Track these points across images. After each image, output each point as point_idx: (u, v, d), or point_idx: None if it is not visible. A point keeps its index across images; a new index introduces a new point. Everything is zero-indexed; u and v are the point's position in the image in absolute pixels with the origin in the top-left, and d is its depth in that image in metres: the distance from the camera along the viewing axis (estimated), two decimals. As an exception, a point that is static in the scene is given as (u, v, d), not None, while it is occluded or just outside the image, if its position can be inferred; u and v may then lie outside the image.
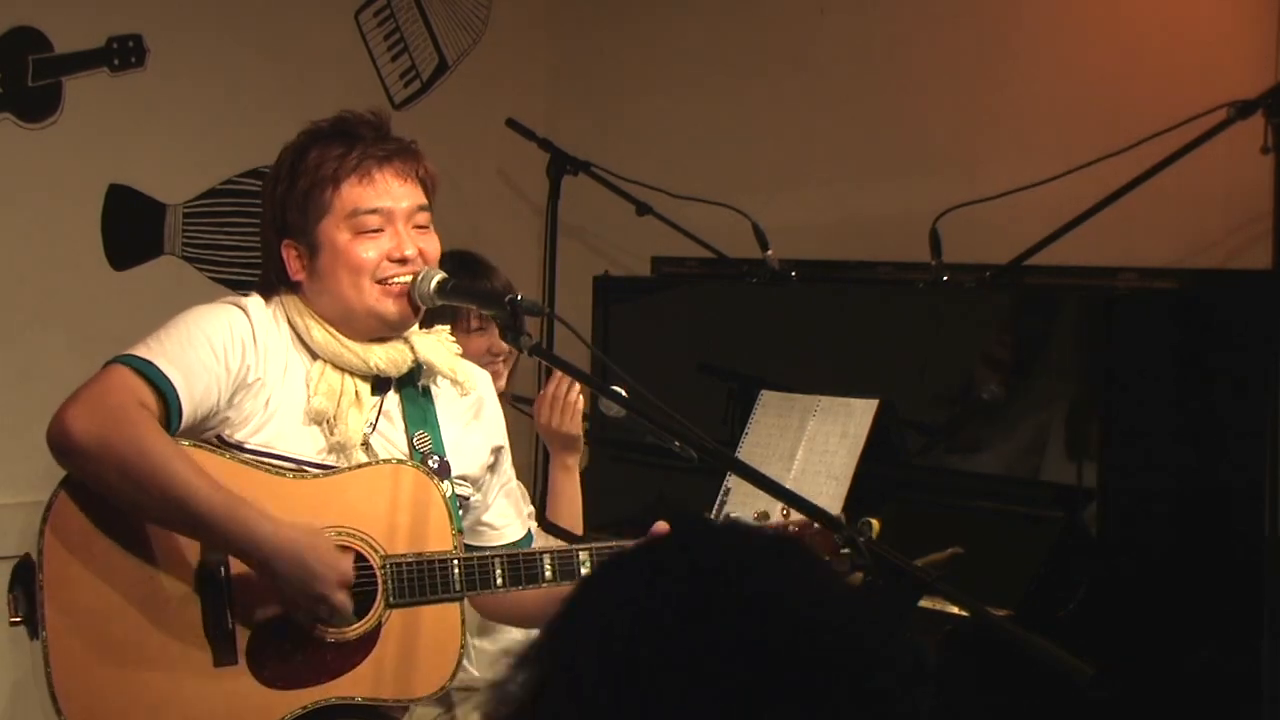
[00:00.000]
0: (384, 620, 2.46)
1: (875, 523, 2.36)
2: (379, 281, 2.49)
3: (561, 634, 1.13)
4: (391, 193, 2.50)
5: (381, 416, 2.55)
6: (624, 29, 4.74)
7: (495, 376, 3.08)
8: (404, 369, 2.56)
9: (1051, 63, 3.85)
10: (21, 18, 3.89)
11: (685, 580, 1.11)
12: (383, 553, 2.46)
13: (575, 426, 3.17)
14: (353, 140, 2.51)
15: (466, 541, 2.58)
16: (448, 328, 2.68)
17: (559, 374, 3.13)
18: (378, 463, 2.50)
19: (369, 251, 2.48)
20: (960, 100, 4.00)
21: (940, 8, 4.06)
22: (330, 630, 2.43)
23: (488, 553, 2.57)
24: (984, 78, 3.97)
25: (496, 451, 2.71)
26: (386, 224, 2.49)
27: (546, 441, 3.22)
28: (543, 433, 3.21)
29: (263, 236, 2.58)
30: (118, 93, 4.04)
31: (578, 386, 3.13)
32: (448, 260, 2.82)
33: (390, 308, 2.50)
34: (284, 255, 2.51)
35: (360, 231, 2.48)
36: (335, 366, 2.50)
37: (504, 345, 3.06)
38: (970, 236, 3.55)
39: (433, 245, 2.54)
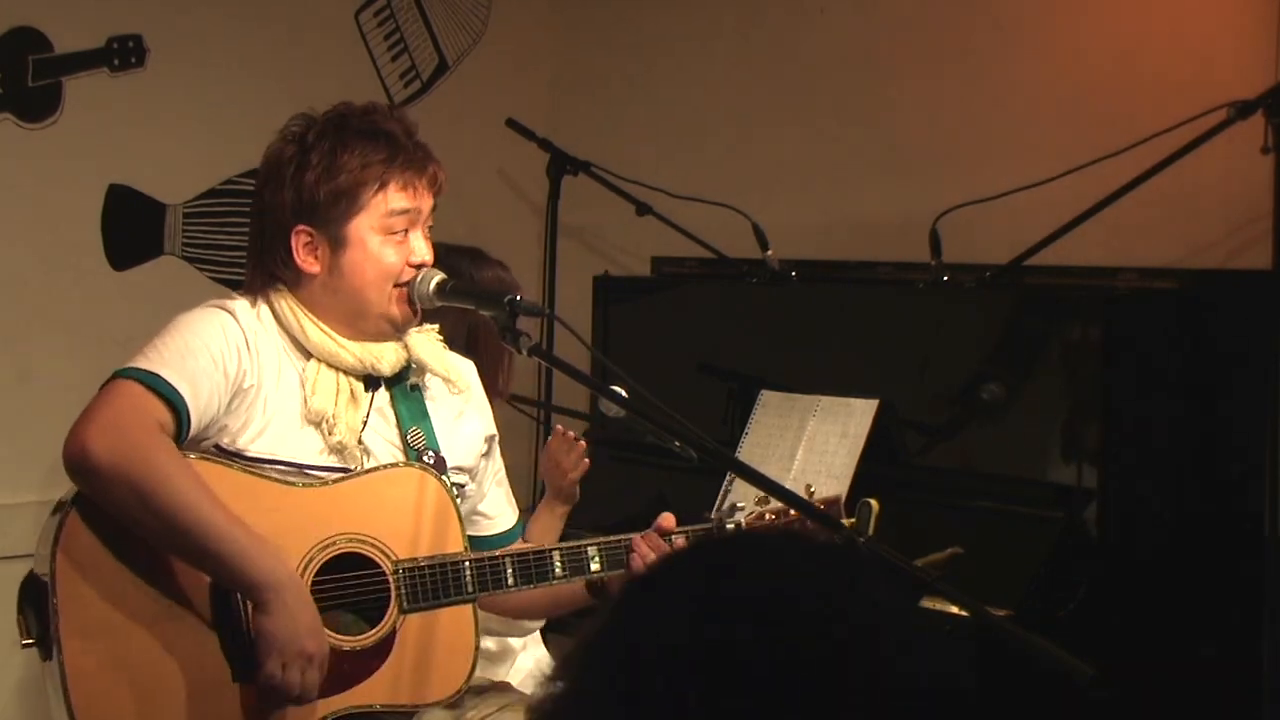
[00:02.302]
0: (398, 626, 2.45)
1: (874, 503, 2.36)
2: (396, 285, 2.51)
3: (590, 651, 1.13)
4: (420, 198, 2.53)
5: (374, 413, 2.54)
6: (624, 29, 4.74)
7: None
8: (398, 368, 2.56)
9: (1052, 63, 3.85)
10: (21, 18, 3.89)
11: (708, 609, 1.11)
12: (394, 558, 2.45)
13: (571, 486, 3.19)
14: (393, 144, 2.51)
15: None
16: (436, 326, 2.68)
17: (558, 434, 3.17)
18: (384, 467, 2.50)
19: (394, 256, 2.51)
20: (960, 100, 4.00)
21: (940, 8, 4.06)
22: (346, 639, 2.42)
23: (495, 551, 2.58)
24: (984, 77, 3.96)
25: (490, 440, 2.72)
26: (410, 227, 2.52)
27: (546, 483, 3.24)
28: (545, 476, 3.24)
29: (270, 217, 2.53)
30: (118, 93, 4.04)
31: (580, 456, 3.15)
32: (456, 255, 2.87)
33: (401, 311, 2.51)
34: (293, 241, 2.50)
35: (389, 233, 2.50)
36: (329, 365, 2.50)
37: None
38: (970, 236, 3.55)
39: (430, 249, 2.57)
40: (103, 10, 4.02)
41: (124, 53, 4.05)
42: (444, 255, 3.12)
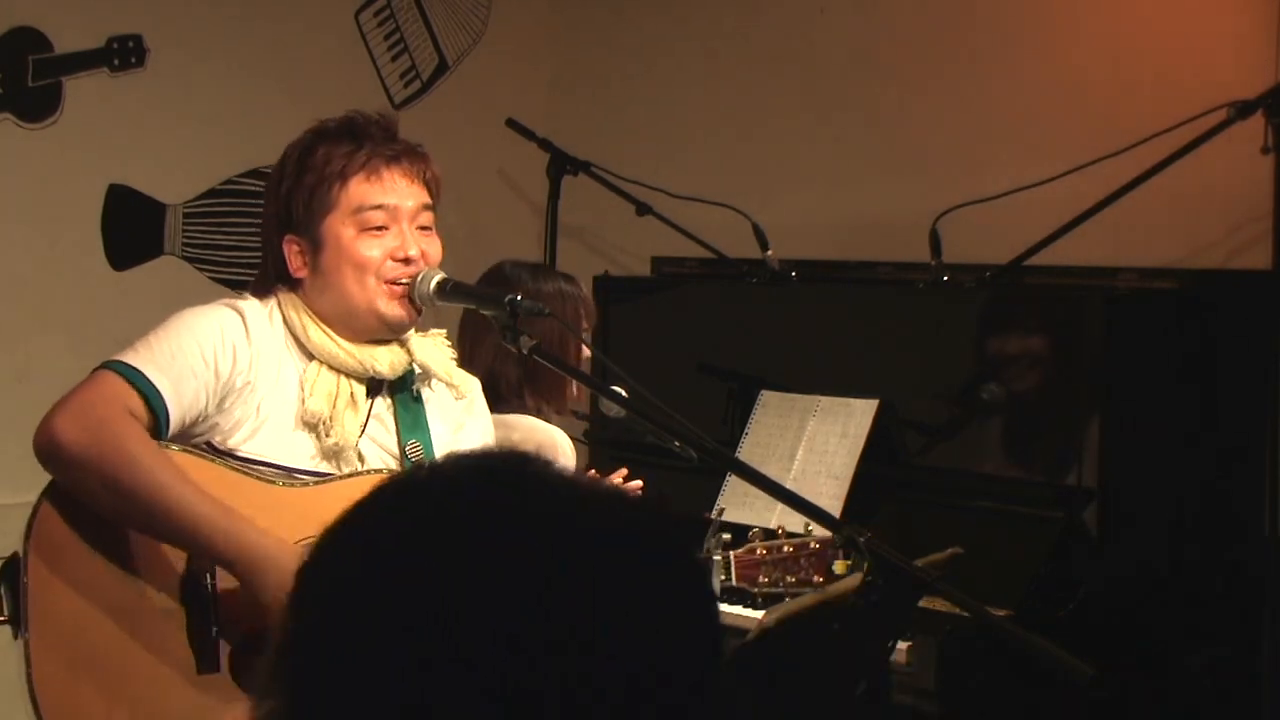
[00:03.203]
0: None
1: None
2: (383, 281, 2.48)
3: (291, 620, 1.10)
4: (398, 191, 2.49)
5: (373, 420, 2.52)
6: (624, 29, 4.74)
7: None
8: (400, 372, 2.53)
9: (1052, 63, 3.85)
10: (21, 18, 3.89)
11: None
12: None
13: None
14: (361, 139, 2.50)
15: None
16: (444, 331, 2.67)
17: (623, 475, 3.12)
18: (372, 471, 2.48)
19: (373, 249, 2.47)
20: (960, 100, 4.00)
21: (940, 8, 4.06)
22: None
23: None
24: (984, 78, 3.96)
25: None
26: (391, 222, 2.48)
27: None
28: None
29: (264, 234, 2.56)
30: (118, 93, 4.04)
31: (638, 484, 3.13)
32: (519, 269, 3.02)
33: (394, 309, 2.48)
34: (285, 251, 2.49)
35: (365, 228, 2.47)
36: (330, 368, 2.49)
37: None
38: (970, 236, 3.55)
39: (435, 248, 2.53)
40: (103, 10, 4.03)
41: (124, 53, 4.05)
42: (508, 270, 3.18)
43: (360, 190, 2.47)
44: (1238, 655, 3.21)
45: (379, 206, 2.47)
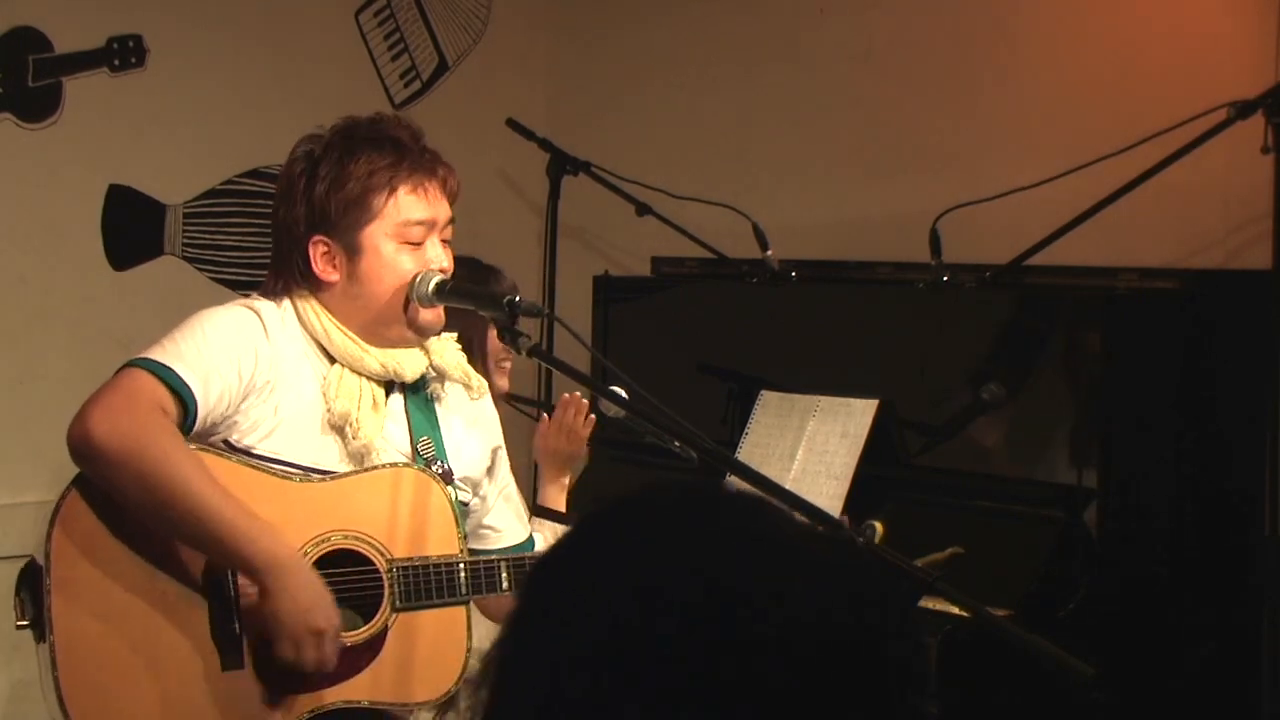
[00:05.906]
0: (390, 624, 2.46)
1: (879, 526, 2.36)
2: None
3: (520, 627, 1.11)
4: (436, 205, 2.53)
5: (387, 419, 2.55)
6: (624, 29, 4.74)
7: (502, 374, 3.22)
8: (419, 374, 2.57)
9: (1051, 62, 3.85)
10: (21, 18, 3.90)
11: (648, 568, 1.09)
12: (389, 556, 2.46)
13: (581, 447, 3.21)
14: (399, 149, 2.52)
15: (469, 545, 2.59)
16: (455, 334, 2.68)
17: (568, 401, 3.17)
18: (384, 467, 2.50)
19: (409, 264, 2.51)
20: (960, 100, 4.00)
21: (940, 7, 4.06)
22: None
23: (493, 556, 2.58)
24: (984, 78, 3.97)
25: (494, 453, 2.72)
26: (426, 235, 2.52)
27: (543, 462, 3.22)
28: (544, 455, 3.21)
29: (286, 232, 2.54)
30: (118, 93, 4.04)
31: (586, 413, 3.16)
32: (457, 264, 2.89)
33: (428, 316, 2.52)
34: (311, 252, 2.51)
35: (406, 241, 2.50)
36: (352, 370, 2.51)
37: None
38: (970, 236, 3.55)
39: (450, 258, 2.57)
40: (103, 10, 4.03)
41: (124, 53, 4.05)
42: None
43: (408, 204, 2.50)
44: (1238, 655, 3.21)
45: (421, 222, 2.50)
